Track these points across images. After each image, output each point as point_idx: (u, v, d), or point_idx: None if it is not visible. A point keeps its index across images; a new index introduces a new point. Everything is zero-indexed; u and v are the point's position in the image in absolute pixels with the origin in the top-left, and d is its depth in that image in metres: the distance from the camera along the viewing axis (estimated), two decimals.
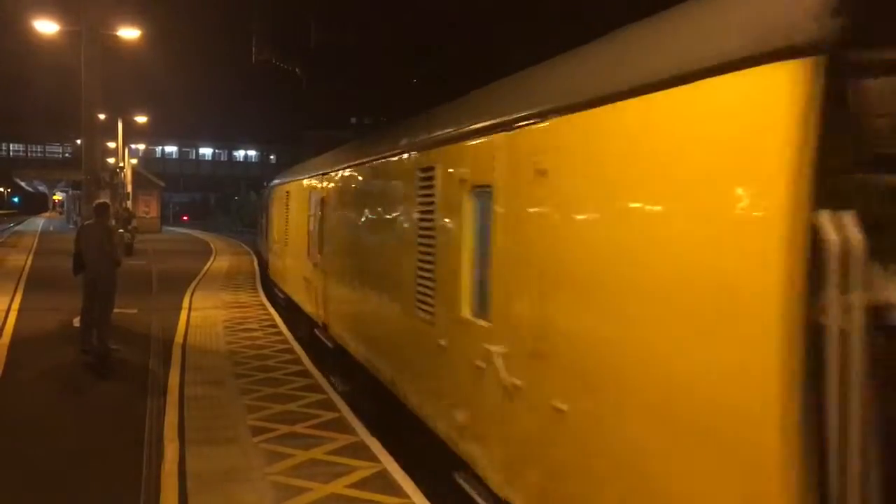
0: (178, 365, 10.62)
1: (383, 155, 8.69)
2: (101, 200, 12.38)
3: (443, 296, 6.35)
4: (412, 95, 38.34)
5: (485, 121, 5.72)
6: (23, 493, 6.33)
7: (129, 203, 39.93)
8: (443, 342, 6.25)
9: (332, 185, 11.70)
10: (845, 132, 2.74)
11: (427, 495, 6.21)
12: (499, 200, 5.30)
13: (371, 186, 9.48)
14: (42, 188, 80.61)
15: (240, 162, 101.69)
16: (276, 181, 20.41)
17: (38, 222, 60.53)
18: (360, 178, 10.07)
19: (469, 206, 5.94)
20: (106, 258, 11.15)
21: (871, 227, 2.69)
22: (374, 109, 52.87)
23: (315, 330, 12.45)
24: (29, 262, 24.68)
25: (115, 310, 11.74)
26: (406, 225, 7.55)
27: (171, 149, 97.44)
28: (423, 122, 7.66)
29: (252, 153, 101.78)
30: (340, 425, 8.04)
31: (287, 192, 16.67)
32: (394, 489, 6.31)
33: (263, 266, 22.84)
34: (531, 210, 4.81)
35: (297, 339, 12.87)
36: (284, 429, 7.85)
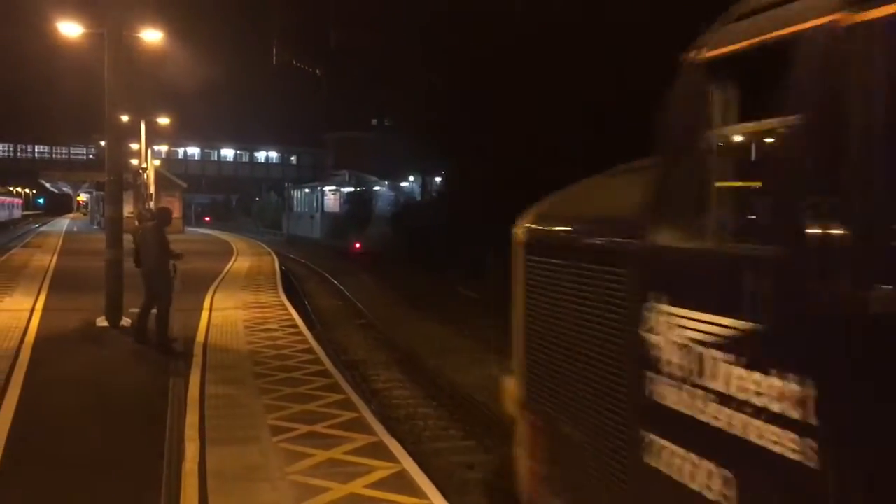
0: (199, 364, 10.69)
1: None
2: (164, 206, 13.54)
3: None
4: (434, 97, 38.18)
5: None
6: (44, 488, 6.40)
7: (151, 204, 40.25)
8: None
9: None
10: None
11: (445, 496, 6.20)
12: None
13: None
14: (66, 189, 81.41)
15: (261, 163, 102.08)
16: None
17: (63, 223, 61.13)
18: None
19: None
20: (161, 258, 11.93)
21: None
22: (395, 111, 52.81)
23: None
24: (53, 262, 24.95)
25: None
26: None
27: (194, 150, 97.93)
28: None
29: (273, 155, 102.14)
30: (360, 425, 8.05)
31: None
32: (412, 489, 6.31)
33: None
34: None
35: (317, 338, 12.90)
36: (304, 428, 7.87)
